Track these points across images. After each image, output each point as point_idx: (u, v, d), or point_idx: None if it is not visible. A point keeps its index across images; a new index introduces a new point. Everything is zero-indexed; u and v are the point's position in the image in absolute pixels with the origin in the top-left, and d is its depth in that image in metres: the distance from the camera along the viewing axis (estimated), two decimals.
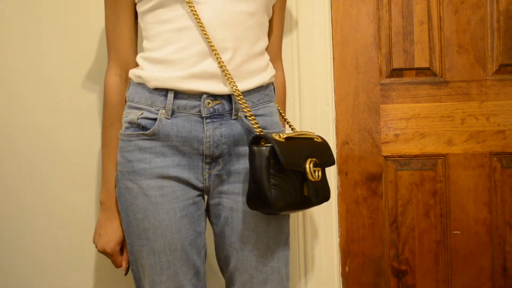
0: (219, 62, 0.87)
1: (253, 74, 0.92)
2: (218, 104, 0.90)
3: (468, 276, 1.33)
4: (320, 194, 0.90)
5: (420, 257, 1.33)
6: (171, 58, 0.88)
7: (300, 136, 0.90)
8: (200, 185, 0.94)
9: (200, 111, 0.89)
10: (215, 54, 0.86)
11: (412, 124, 1.32)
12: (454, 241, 1.33)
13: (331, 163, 0.94)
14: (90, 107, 1.31)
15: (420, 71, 1.32)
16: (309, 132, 0.94)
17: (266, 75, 0.95)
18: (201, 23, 0.86)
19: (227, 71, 0.87)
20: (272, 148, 0.82)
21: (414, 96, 1.32)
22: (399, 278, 1.34)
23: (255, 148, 0.83)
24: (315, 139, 0.93)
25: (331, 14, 1.32)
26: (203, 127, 0.90)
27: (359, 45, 1.32)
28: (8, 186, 1.33)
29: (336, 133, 1.33)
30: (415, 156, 1.32)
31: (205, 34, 0.86)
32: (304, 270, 1.32)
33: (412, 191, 1.33)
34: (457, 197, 1.32)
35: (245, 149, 0.92)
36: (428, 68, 1.32)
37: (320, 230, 1.32)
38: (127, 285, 1.33)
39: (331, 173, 1.31)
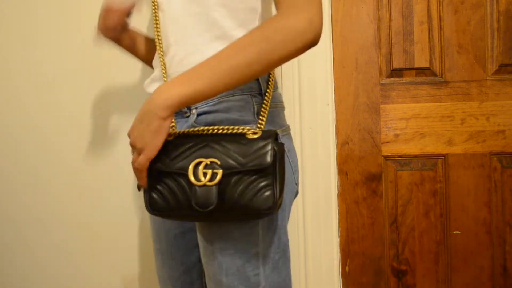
0: (161, 61, 0.85)
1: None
2: None
3: (468, 276, 1.33)
4: (229, 202, 0.73)
5: (420, 257, 1.33)
6: (154, 64, 0.92)
7: (214, 131, 0.78)
8: None
9: None
10: (160, 55, 0.86)
11: (412, 124, 1.32)
12: (454, 241, 1.33)
13: (255, 165, 0.74)
14: (91, 107, 1.31)
15: (420, 71, 1.32)
16: (242, 128, 0.78)
17: None
18: (157, 23, 0.86)
19: (164, 70, 0.85)
20: None
21: (414, 96, 1.32)
22: (399, 278, 1.34)
23: None
24: (246, 135, 0.77)
25: (331, 14, 1.32)
26: None
27: (359, 45, 1.32)
28: (8, 186, 1.33)
29: (336, 133, 1.33)
30: (415, 156, 1.32)
31: (157, 35, 0.85)
32: (304, 270, 1.32)
33: (412, 191, 1.33)
34: (457, 197, 1.32)
35: None
36: (428, 68, 1.32)
37: (320, 230, 1.31)
38: (127, 285, 1.34)
39: (331, 173, 1.31)
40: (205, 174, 0.73)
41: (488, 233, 1.32)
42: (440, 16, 1.31)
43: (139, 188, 0.81)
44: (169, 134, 0.76)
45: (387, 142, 1.32)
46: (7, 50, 1.31)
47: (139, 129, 0.73)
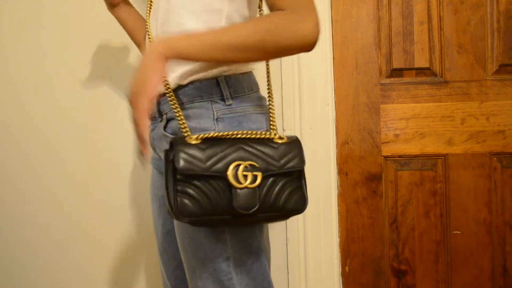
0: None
1: (169, 73, 0.84)
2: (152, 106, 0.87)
3: (468, 276, 1.33)
4: (267, 204, 0.76)
5: (420, 257, 1.33)
6: None
7: (243, 136, 0.78)
8: None
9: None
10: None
11: (412, 124, 1.32)
12: (454, 241, 1.33)
13: (293, 167, 0.78)
14: (91, 107, 1.31)
15: (420, 71, 1.32)
16: (270, 131, 0.81)
17: (178, 75, 0.84)
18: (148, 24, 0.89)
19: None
20: None
21: (414, 96, 1.32)
22: (399, 278, 1.34)
23: (165, 152, 0.76)
24: (274, 140, 0.80)
25: (331, 14, 1.32)
26: (150, 128, 0.90)
27: (359, 45, 1.32)
28: (8, 186, 1.33)
29: (336, 133, 1.33)
30: (415, 156, 1.32)
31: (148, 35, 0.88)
32: (304, 270, 1.32)
33: (412, 191, 1.33)
34: (457, 197, 1.32)
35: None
36: (428, 68, 1.32)
37: (320, 230, 1.31)
38: (127, 285, 1.34)
39: (331, 173, 1.31)
40: (245, 177, 0.74)
41: (488, 233, 1.32)
42: (440, 16, 1.31)
43: (140, 156, 0.77)
44: (195, 138, 0.75)
45: (387, 142, 1.32)
46: (8, 49, 1.31)
47: (137, 77, 0.75)
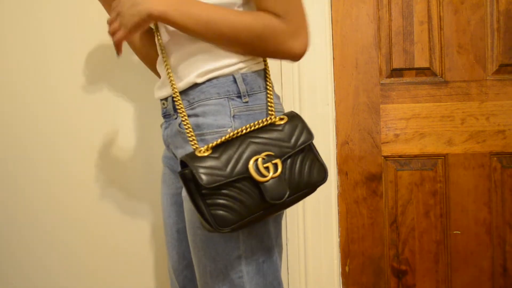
0: (165, 66, 0.87)
1: (186, 74, 0.86)
2: (165, 105, 0.91)
3: (468, 276, 1.33)
4: (294, 184, 0.78)
5: (420, 257, 1.33)
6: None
7: (247, 130, 0.79)
8: None
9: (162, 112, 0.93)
10: (164, 61, 0.88)
11: (412, 124, 1.32)
12: (454, 241, 1.33)
13: (304, 142, 0.80)
14: (91, 107, 1.31)
15: (420, 71, 1.32)
16: (268, 118, 0.82)
17: (196, 74, 0.86)
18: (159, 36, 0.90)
19: (170, 74, 0.86)
20: None
21: (414, 96, 1.32)
22: (399, 278, 1.34)
23: (180, 174, 0.75)
24: (276, 123, 0.81)
25: (331, 14, 1.32)
26: (163, 126, 0.94)
27: (359, 45, 1.32)
28: (8, 185, 1.33)
29: (336, 133, 1.33)
30: (415, 156, 1.32)
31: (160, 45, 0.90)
32: (304, 270, 1.32)
33: (412, 191, 1.33)
34: (457, 197, 1.32)
35: (180, 152, 0.86)
36: (428, 68, 1.32)
37: (320, 230, 1.31)
38: (127, 285, 1.34)
39: (331, 173, 1.31)
40: (266, 169, 0.75)
41: (488, 233, 1.32)
42: (440, 16, 1.31)
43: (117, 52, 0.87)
44: (204, 150, 0.76)
45: (387, 142, 1.32)
46: (8, 49, 1.31)
47: (125, 3, 0.79)
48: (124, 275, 1.33)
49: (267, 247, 0.83)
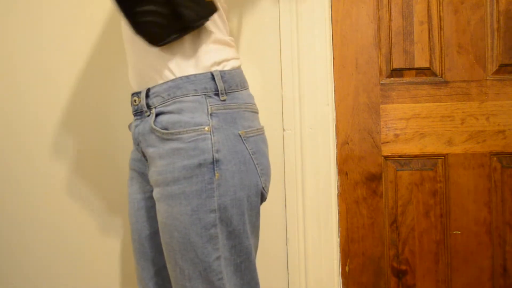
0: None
1: (162, 69, 0.85)
2: (139, 101, 0.87)
3: (468, 276, 1.33)
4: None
5: (420, 257, 1.33)
6: None
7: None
8: None
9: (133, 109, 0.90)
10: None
11: (412, 124, 1.32)
12: (454, 241, 1.33)
13: None
14: (91, 107, 1.31)
15: (420, 71, 1.32)
16: None
17: (173, 69, 0.85)
18: None
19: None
20: None
21: (414, 96, 1.32)
22: (399, 278, 1.34)
23: None
24: None
25: (331, 14, 1.32)
26: (133, 124, 0.91)
27: (359, 45, 1.32)
28: (8, 186, 1.33)
29: (336, 133, 1.33)
30: (415, 156, 1.32)
31: None
32: (304, 270, 1.32)
33: (412, 191, 1.33)
34: (457, 197, 1.32)
35: (152, 151, 0.84)
36: (428, 68, 1.32)
37: (320, 230, 1.31)
38: (127, 285, 1.34)
39: (331, 173, 1.31)
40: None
41: (488, 233, 1.32)
42: (440, 16, 1.31)
43: None
44: None
45: (387, 142, 1.32)
46: (9, 49, 1.31)
47: None
48: (124, 275, 1.33)
49: (246, 246, 0.83)
